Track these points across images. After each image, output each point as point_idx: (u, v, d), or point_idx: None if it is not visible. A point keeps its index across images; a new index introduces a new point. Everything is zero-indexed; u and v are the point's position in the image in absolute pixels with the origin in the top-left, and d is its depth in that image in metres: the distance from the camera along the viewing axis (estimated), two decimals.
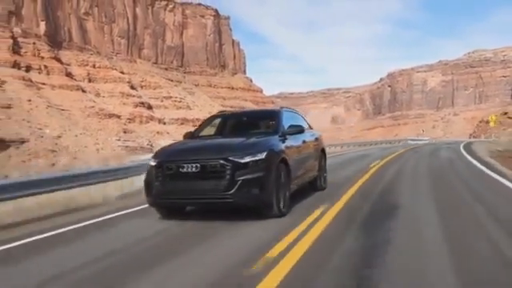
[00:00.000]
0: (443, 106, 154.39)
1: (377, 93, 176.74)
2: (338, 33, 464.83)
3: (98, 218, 6.30)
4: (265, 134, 6.36)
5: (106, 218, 6.33)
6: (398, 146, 41.23)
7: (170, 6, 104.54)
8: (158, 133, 76.83)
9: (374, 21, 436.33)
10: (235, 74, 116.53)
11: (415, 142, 51.15)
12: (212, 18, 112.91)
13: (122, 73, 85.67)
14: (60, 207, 7.24)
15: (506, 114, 68.26)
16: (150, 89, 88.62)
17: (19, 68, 68.65)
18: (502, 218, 5.39)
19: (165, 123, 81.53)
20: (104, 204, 7.81)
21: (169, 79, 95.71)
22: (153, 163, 5.72)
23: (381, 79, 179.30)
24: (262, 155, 5.40)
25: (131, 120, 76.69)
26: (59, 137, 60.44)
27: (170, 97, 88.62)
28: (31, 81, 67.70)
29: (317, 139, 8.08)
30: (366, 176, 10.41)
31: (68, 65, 78.39)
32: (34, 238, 5.18)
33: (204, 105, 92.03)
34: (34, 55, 72.46)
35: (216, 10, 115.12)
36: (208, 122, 7.69)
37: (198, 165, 5.33)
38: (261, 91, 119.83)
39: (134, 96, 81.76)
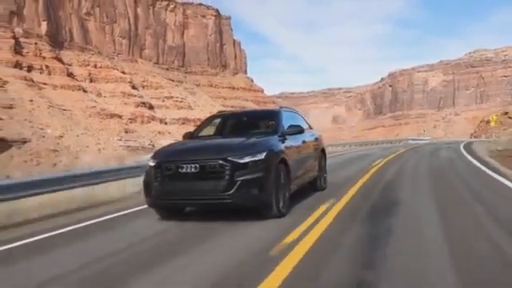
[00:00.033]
0: (444, 105, 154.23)
1: (378, 93, 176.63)
2: (338, 32, 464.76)
3: (123, 211, 6.84)
4: (264, 134, 6.32)
5: (132, 211, 6.86)
6: (398, 145, 41.22)
7: (171, 6, 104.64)
8: (159, 133, 76.93)
9: (375, 20, 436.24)
10: (236, 74, 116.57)
11: (416, 142, 51.14)
12: (213, 18, 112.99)
13: (124, 73, 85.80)
14: (82, 202, 7.89)
15: (506, 113, 68.13)
16: (151, 89, 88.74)
17: (21, 68, 68.81)
18: (491, 209, 5.83)
19: (166, 123, 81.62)
20: (122, 199, 8.29)
21: (170, 79, 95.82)
22: (152, 163, 5.69)
23: (382, 79, 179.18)
24: (262, 155, 5.37)
25: (133, 120, 76.81)
26: (61, 137, 60.57)
27: (172, 97, 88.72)
28: (33, 81, 67.86)
29: (317, 139, 8.05)
30: (367, 176, 10.42)
31: (69, 65, 78.56)
32: (75, 227, 5.94)
33: (205, 105, 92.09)
34: (36, 55, 72.61)
35: (217, 10, 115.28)
36: (207, 122, 7.65)
37: (197, 165, 5.30)
38: (262, 91, 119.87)
39: (135, 96, 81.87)
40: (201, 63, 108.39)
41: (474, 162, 14.56)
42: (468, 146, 28.25)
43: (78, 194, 8.16)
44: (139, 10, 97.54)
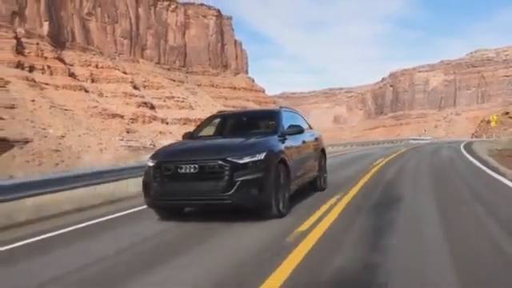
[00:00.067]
0: (445, 105, 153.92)
1: (379, 92, 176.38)
2: (340, 33, 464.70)
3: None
4: (264, 135, 6.29)
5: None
6: (399, 145, 41.36)
7: (173, 7, 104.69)
8: (160, 133, 76.99)
9: (376, 21, 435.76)
10: (237, 74, 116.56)
11: (417, 142, 51.23)
12: (214, 18, 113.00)
13: (125, 73, 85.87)
14: (104, 198, 8.28)
15: (507, 113, 68.00)
16: (152, 89, 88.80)
17: (23, 68, 68.91)
18: (488, 202, 6.57)
19: (167, 123, 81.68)
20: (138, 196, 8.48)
21: (171, 79, 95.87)
22: (151, 164, 5.65)
23: (383, 79, 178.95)
24: (261, 156, 5.35)
25: (134, 120, 76.89)
26: (63, 137, 60.67)
27: (173, 97, 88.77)
28: (35, 81, 67.96)
29: (317, 139, 8.02)
30: (368, 175, 10.47)
31: (71, 65, 78.64)
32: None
33: (206, 105, 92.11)
34: (38, 55, 72.70)
35: (218, 10, 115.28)
36: (207, 122, 7.60)
37: (197, 165, 5.28)
38: (263, 91, 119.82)
39: (136, 96, 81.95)
40: (202, 63, 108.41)
41: (474, 161, 14.92)
42: (468, 146, 28.41)
43: (82, 193, 8.21)
44: (140, 10, 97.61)
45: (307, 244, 4.22)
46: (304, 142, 7.05)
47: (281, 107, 7.56)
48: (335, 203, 6.47)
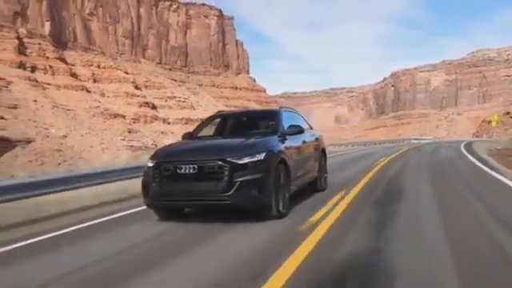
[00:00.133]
0: (447, 105, 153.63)
1: (380, 92, 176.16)
2: (341, 32, 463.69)
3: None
4: (264, 135, 6.27)
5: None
6: (401, 145, 41.51)
7: (174, 7, 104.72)
8: (162, 132, 77.04)
9: (378, 20, 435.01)
10: (239, 74, 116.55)
11: (418, 142, 51.39)
12: (216, 18, 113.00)
13: (127, 73, 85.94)
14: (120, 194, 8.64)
15: (508, 113, 67.82)
16: (154, 89, 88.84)
17: (25, 68, 69.04)
18: (486, 200, 6.87)
19: (169, 123, 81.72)
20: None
21: (173, 79, 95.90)
22: (150, 164, 5.62)
23: (384, 79, 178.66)
24: (261, 156, 5.33)
25: (136, 120, 76.96)
26: (65, 137, 60.77)
27: (174, 97, 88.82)
28: (37, 81, 68.08)
29: (317, 139, 7.99)
30: (369, 175, 10.55)
31: (73, 65, 78.73)
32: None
33: (208, 105, 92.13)
34: (40, 55, 72.81)
35: (219, 10, 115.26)
36: (207, 122, 7.56)
37: (196, 166, 5.25)
38: (264, 91, 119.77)
39: (138, 96, 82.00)
40: (203, 63, 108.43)
41: (474, 160, 15.28)
42: (469, 146, 28.60)
43: (85, 193, 8.26)
44: (142, 11, 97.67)
45: (308, 245, 4.24)
46: (304, 142, 7.04)
47: (281, 107, 7.53)
48: (337, 203, 6.50)
